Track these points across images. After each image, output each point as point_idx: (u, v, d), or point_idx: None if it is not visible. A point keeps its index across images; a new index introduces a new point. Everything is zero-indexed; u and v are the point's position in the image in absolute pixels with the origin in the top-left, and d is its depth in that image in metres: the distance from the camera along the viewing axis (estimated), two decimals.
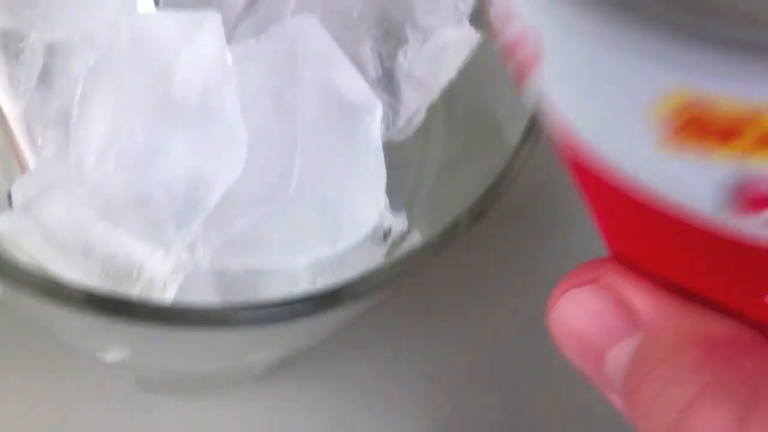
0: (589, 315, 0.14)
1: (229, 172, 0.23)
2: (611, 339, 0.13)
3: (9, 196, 0.29)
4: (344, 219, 0.24)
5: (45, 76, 0.25)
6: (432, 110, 0.27)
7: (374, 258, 0.27)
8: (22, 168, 0.29)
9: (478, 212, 0.23)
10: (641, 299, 0.13)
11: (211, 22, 0.25)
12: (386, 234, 0.27)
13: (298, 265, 0.25)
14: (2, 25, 0.24)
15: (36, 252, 0.25)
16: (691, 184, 0.11)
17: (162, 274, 0.26)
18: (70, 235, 0.25)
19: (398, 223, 0.26)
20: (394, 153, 0.27)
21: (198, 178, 0.23)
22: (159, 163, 0.22)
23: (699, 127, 0.10)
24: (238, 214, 0.23)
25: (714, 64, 0.08)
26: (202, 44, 0.24)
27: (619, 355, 0.13)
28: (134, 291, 0.25)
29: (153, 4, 0.27)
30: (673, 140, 0.10)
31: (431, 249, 0.23)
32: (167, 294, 0.26)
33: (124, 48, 0.23)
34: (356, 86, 0.24)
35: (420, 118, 0.26)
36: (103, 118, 0.22)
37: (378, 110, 0.25)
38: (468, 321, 0.36)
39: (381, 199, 0.25)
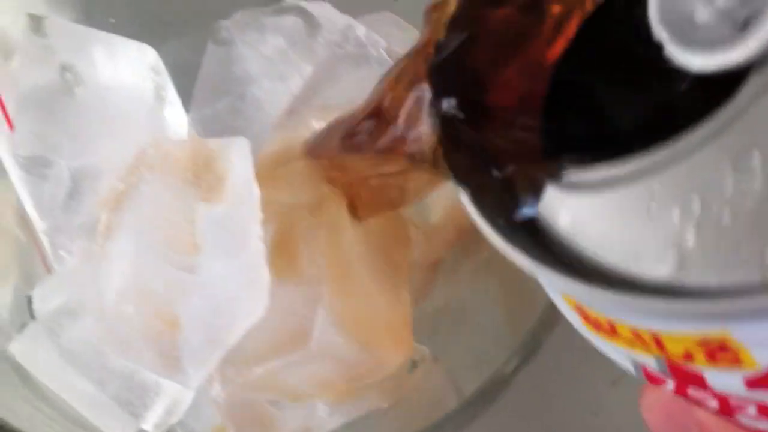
0: (663, 406, 0.16)
1: (250, 314, 0.22)
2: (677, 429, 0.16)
3: (29, 300, 0.29)
4: (368, 361, 0.23)
5: (72, 194, 0.25)
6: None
7: (395, 389, 0.26)
8: (47, 269, 0.29)
9: (520, 361, 0.22)
10: None
11: (240, 150, 0.24)
12: (411, 366, 0.26)
13: (316, 401, 0.24)
14: (30, 152, 0.23)
15: (52, 367, 0.25)
16: (617, 357, 0.15)
17: (178, 401, 0.25)
18: (89, 359, 0.25)
19: (422, 354, 0.26)
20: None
21: (217, 318, 0.22)
22: (179, 305, 0.22)
23: (590, 322, 0.14)
24: (258, 359, 0.22)
25: (566, 287, 0.13)
26: (229, 174, 0.24)
27: None
28: (152, 413, 0.25)
29: (185, 122, 0.27)
30: (587, 326, 0.15)
31: (469, 411, 0.22)
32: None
33: (150, 180, 0.23)
34: None
35: None
36: (125, 256, 0.22)
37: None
38: None
39: (407, 338, 0.24)
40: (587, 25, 0.15)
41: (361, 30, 0.24)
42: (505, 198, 0.15)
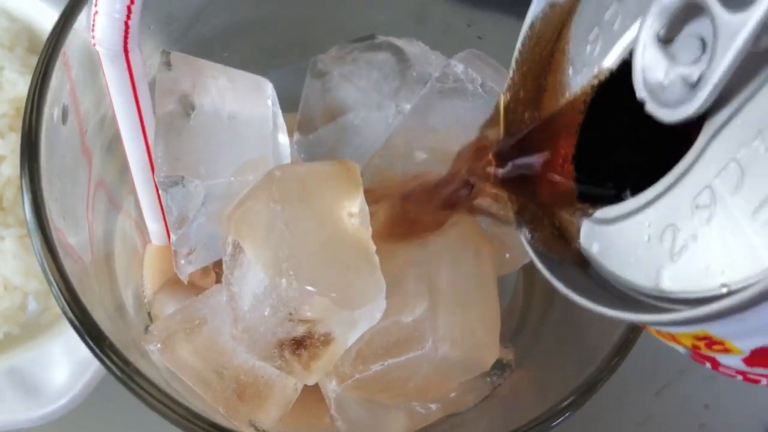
0: None
1: (368, 318, 0.24)
2: None
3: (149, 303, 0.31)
4: (469, 362, 0.24)
5: (201, 210, 0.26)
6: None
7: (484, 388, 0.28)
8: None
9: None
10: None
11: (348, 171, 0.26)
12: (504, 367, 0.27)
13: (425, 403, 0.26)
14: (167, 172, 0.25)
15: (182, 362, 0.27)
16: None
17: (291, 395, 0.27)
18: (214, 356, 0.26)
19: (508, 357, 0.27)
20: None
21: (340, 321, 0.24)
22: (308, 309, 0.23)
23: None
24: (375, 358, 0.24)
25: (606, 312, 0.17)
26: (340, 194, 0.25)
27: None
28: (267, 406, 0.27)
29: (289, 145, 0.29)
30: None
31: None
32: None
33: (278, 197, 0.25)
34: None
35: None
36: (259, 263, 0.23)
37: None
38: None
39: (497, 340, 0.26)
40: (594, 102, 0.19)
41: (459, 68, 0.26)
42: (554, 232, 0.20)
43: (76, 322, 0.21)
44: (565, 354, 0.27)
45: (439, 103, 0.26)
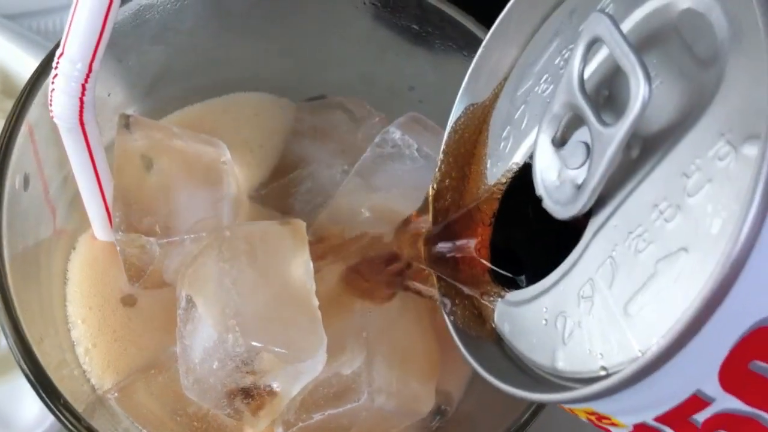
0: None
1: (310, 371, 0.25)
2: None
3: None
4: (405, 410, 0.26)
5: (157, 264, 0.28)
6: None
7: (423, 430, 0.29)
8: None
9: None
10: None
11: (295, 230, 0.27)
12: (441, 413, 0.29)
13: None
14: (125, 230, 0.26)
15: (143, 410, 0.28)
16: None
17: None
18: (170, 403, 0.27)
19: (448, 401, 0.29)
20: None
21: (284, 373, 0.25)
22: (254, 362, 0.24)
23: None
24: (317, 407, 0.25)
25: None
26: (286, 252, 0.27)
27: None
28: None
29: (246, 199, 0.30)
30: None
31: None
32: None
33: (227, 256, 0.26)
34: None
35: None
36: (209, 319, 0.25)
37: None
38: None
39: (434, 388, 0.27)
40: (507, 194, 0.21)
41: (397, 134, 0.27)
42: (474, 311, 0.22)
43: (31, 378, 0.22)
44: (501, 397, 0.29)
45: (379, 166, 0.28)
